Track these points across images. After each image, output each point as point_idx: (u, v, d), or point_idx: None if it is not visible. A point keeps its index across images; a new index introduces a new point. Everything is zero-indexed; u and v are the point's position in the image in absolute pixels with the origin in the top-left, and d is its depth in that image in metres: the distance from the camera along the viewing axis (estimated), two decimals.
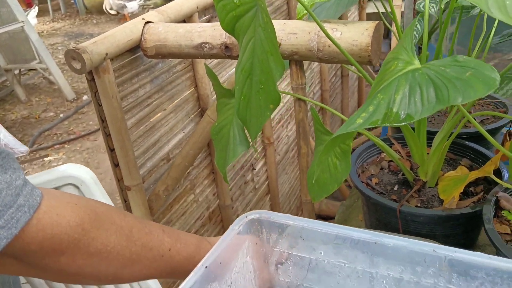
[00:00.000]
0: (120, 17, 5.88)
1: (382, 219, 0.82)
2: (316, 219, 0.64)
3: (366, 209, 0.87)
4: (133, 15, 5.61)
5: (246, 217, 0.57)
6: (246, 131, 0.75)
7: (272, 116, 1.53)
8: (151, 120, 0.99)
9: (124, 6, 5.62)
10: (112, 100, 0.84)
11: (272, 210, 1.59)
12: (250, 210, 0.93)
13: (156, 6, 5.19)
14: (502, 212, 0.72)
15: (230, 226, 0.56)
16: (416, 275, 0.50)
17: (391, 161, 0.93)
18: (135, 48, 0.90)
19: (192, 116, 1.13)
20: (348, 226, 0.53)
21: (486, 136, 0.60)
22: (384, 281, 0.52)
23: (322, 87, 2.03)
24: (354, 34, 0.72)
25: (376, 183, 0.88)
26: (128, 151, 0.88)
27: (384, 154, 0.94)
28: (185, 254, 0.55)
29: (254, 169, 1.48)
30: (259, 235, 0.58)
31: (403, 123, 0.49)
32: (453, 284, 0.48)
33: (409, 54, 0.57)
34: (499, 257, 0.46)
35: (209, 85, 1.12)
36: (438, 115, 1.07)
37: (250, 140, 0.72)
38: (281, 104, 1.63)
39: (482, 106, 1.11)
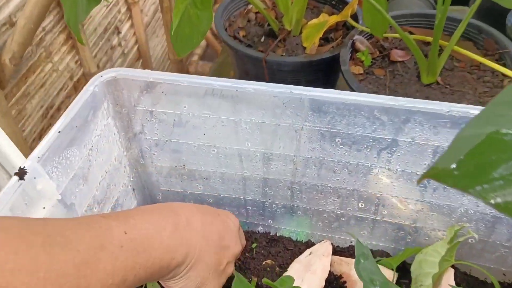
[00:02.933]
0: None
1: (251, 71, 0.83)
2: None
3: (235, 63, 0.87)
4: None
5: (102, 76, 0.53)
6: None
7: None
8: None
9: None
10: None
11: None
12: None
13: None
14: (356, 54, 0.76)
15: (84, 88, 0.51)
16: (276, 117, 0.52)
17: (258, 12, 0.91)
18: None
19: None
20: None
21: None
22: (247, 127, 0.54)
23: None
24: None
25: (243, 35, 0.86)
26: None
27: (251, 5, 0.92)
28: (146, 226, 0.38)
29: (120, 32, 1.37)
30: (119, 94, 0.54)
31: None
32: (309, 121, 0.51)
33: None
34: (347, 92, 0.49)
35: None
36: None
37: None
38: None
39: None
